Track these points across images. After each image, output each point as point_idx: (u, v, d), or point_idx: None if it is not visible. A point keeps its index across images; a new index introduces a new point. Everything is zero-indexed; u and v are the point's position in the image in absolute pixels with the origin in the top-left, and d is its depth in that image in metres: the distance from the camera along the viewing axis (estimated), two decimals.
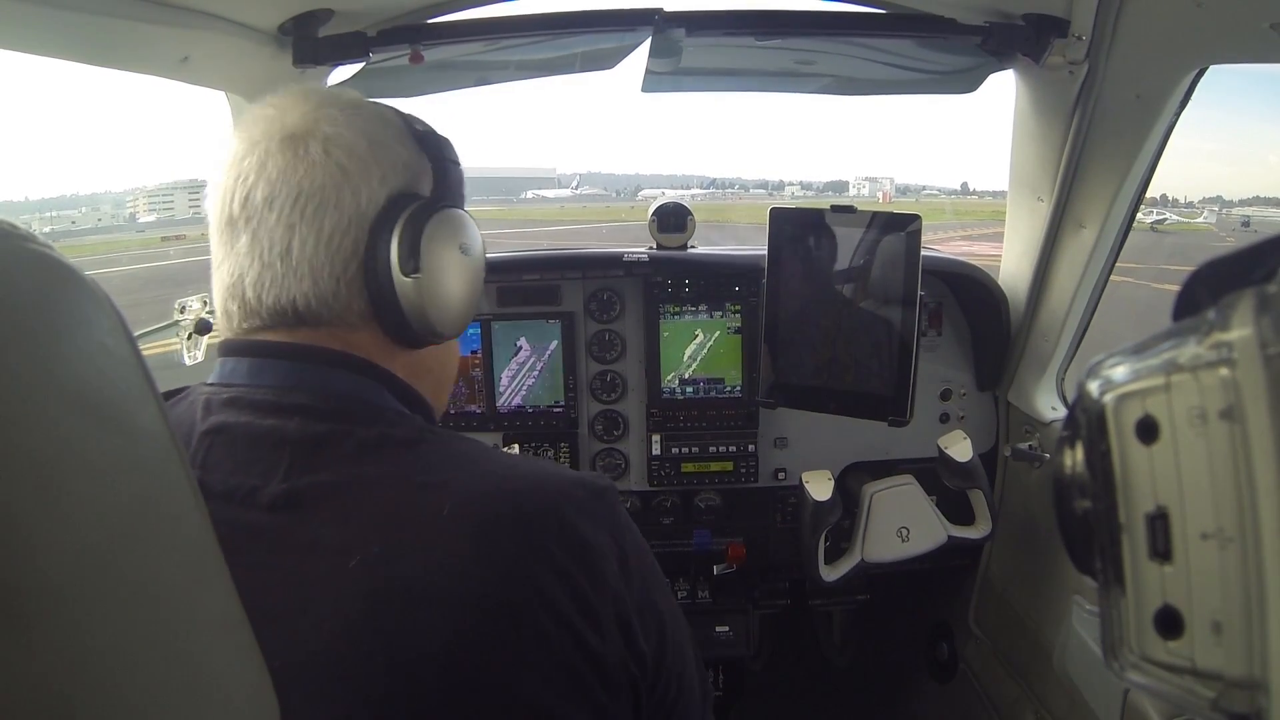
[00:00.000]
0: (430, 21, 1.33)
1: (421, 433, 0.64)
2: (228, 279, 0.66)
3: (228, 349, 0.67)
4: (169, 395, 0.68)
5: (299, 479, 0.57)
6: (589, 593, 0.58)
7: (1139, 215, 1.35)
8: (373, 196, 0.65)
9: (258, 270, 0.64)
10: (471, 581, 0.55)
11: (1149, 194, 1.31)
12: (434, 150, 0.71)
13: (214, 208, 0.67)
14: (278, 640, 0.49)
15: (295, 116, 0.66)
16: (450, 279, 0.69)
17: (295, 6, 1.18)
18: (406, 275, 0.65)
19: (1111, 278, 1.41)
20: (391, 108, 0.73)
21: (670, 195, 2.35)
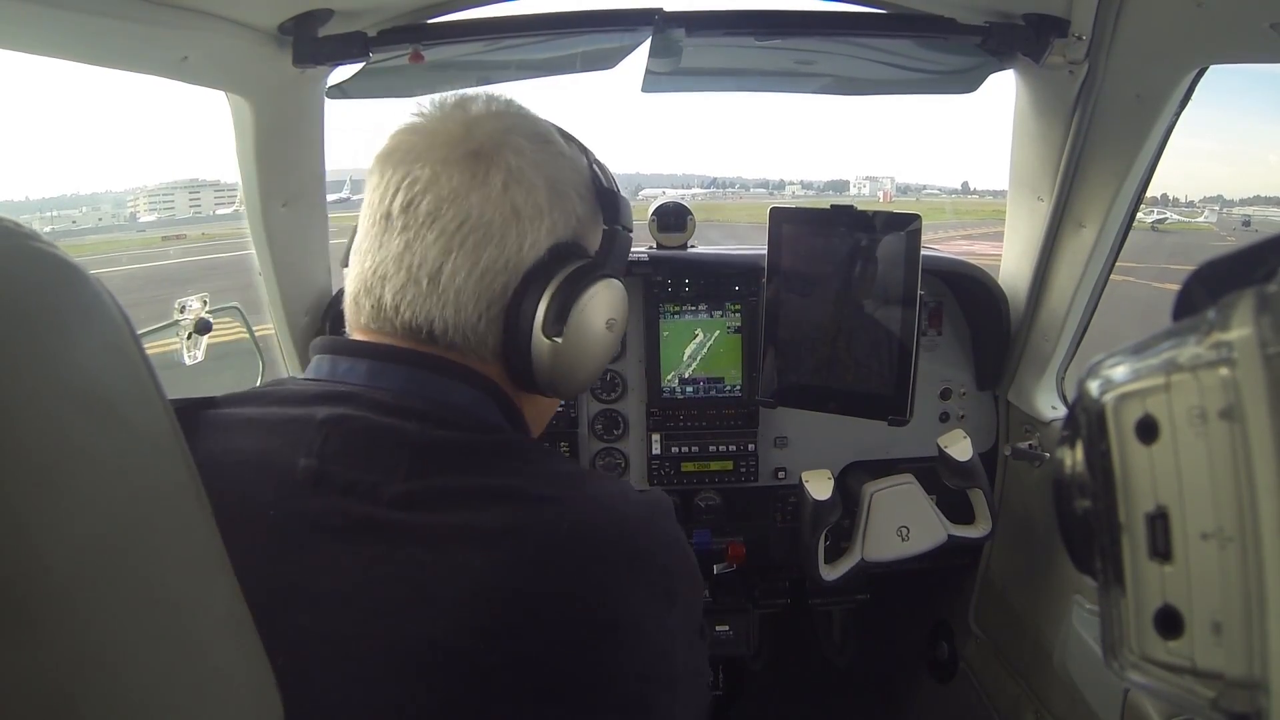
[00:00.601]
0: (430, 21, 1.32)
1: (531, 449, 0.64)
2: (368, 271, 0.64)
3: (339, 348, 0.66)
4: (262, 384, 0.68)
5: (420, 481, 0.57)
6: (669, 619, 0.59)
7: (1139, 215, 1.34)
8: (536, 243, 0.64)
9: (402, 280, 0.63)
10: (583, 597, 0.55)
11: (1149, 193, 1.31)
12: (611, 211, 0.70)
13: (373, 193, 0.65)
14: (395, 631, 0.52)
15: (482, 133, 0.64)
16: (588, 352, 0.68)
17: (295, 6, 1.18)
18: (547, 337, 0.64)
19: (1112, 277, 1.41)
20: (587, 152, 0.71)
21: (670, 194, 2.35)
